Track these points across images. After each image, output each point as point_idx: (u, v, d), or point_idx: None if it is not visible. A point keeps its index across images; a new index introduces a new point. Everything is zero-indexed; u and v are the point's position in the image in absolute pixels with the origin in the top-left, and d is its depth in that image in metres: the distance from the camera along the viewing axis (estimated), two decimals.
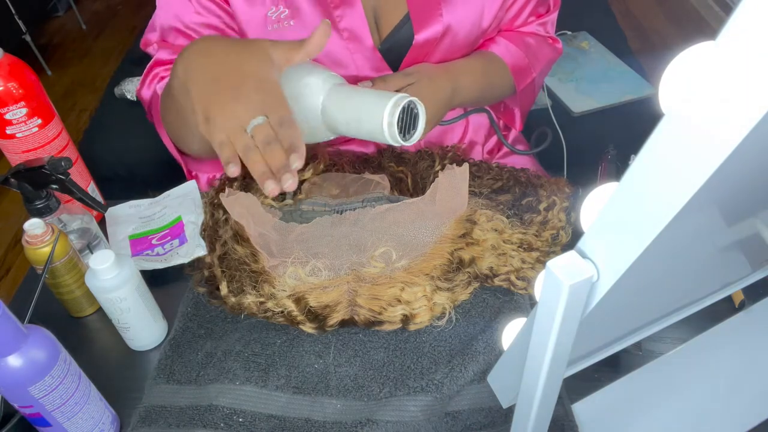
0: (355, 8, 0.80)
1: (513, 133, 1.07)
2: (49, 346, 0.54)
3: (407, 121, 0.67)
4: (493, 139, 1.03)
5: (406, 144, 0.67)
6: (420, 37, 0.83)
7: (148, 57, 0.86)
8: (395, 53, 0.85)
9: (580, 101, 1.40)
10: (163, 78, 0.83)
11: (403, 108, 0.65)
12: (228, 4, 0.80)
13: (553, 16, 0.97)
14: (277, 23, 0.80)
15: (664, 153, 0.26)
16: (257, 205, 0.75)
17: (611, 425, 0.60)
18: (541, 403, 0.41)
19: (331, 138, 0.71)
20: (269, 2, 0.79)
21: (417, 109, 0.67)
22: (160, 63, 0.84)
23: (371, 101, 0.65)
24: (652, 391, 0.61)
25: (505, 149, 1.04)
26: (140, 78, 0.84)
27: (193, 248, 0.76)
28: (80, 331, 0.74)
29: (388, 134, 0.65)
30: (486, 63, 0.90)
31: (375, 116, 0.65)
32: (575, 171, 1.18)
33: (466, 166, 0.73)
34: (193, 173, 0.92)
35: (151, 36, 0.85)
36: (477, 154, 1.00)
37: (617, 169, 0.88)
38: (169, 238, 0.79)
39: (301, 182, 0.81)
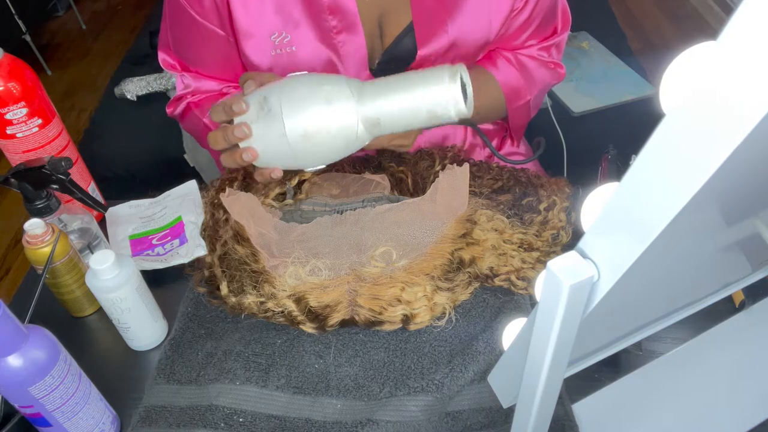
0: (357, 34, 0.80)
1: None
2: (50, 346, 0.54)
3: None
4: (493, 144, 1.03)
5: (468, 114, 0.64)
6: (423, 51, 0.82)
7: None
8: (396, 65, 0.84)
9: (580, 101, 1.40)
10: (192, 104, 0.89)
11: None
12: (233, 28, 0.80)
13: (559, 39, 0.92)
14: (279, 48, 0.80)
15: (665, 153, 0.26)
16: (257, 205, 0.75)
17: (611, 425, 0.60)
18: (541, 403, 0.41)
19: (366, 143, 0.68)
20: (272, 27, 0.79)
21: (464, 77, 0.65)
22: (198, 92, 0.89)
23: (424, 82, 0.63)
24: (652, 391, 0.61)
25: (503, 152, 1.04)
26: (140, 78, 0.86)
27: (194, 248, 0.76)
28: (80, 331, 0.74)
29: (455, 109, 0.62)
30: (478, 79, 0.88)
31: (435, 95, 0.62)
32: (575, 171, 1.18)
33: (466, 166, 0.73)
34: None
35: (167, 55, 0.89)
36: (477, 157, 1.00)
37: (617, 169, 0.88)
38: (169, 238, 0.79)
39: (302, 182, 0.81)
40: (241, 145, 0.66)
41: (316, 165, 0.69)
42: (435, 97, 0.62)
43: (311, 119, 0.64)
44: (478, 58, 0.89)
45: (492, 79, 0.89)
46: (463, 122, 0.78)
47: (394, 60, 0.84)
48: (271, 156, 0.67)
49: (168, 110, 0.94)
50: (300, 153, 0.66)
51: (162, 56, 0.89)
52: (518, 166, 0.85)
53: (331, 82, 0.65)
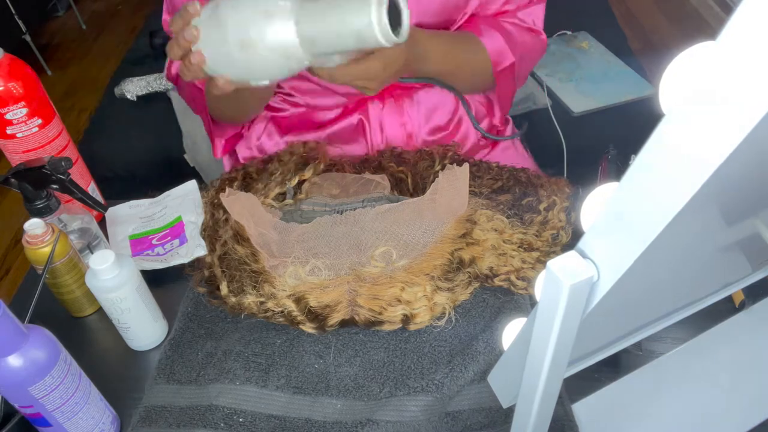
0: None
1: (509, 129, 1.06)
2: (50, 346, 0.54)
3: (393, 16, 0.63)
4: (485, 122, 1.02)
5: (399, 41, 0.63)
6: None
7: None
8: None
9: (580, 101, 1.40)
10: None
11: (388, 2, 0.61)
12: None
13: (536, 8, 0.94)
14: None
15: (664, 153, 0.26)
16: (257, 205, 0.75)
17: (611, 425, 0.60)
18: (541, 403, 0.41)
19: (306, 65, 0.67)
20: None
21: (399, 3, 0.63)
22: None
23: (353, 3, 0.62)
24: (652, 391, 0.61)
25: (494, 131, 1.04)
26: (140, 78, 0.86)
27: (193, 248, 0.76)
28: (80, 331, 0.74)
29: (380, 32, 0.61)
30: (457, 37, 0.88)
31: (362, 16, 0.61)
32: (575, 171, 1.18)
33: (466, 166, 0.73)
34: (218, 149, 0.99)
35: (168, 16, 0.89)
36: (468, 129, 0.99)
37: (617, 169, 0.88)
38: (169, 238, 0.79)
39: (302, 182, 0.81)
40: (193, 49, 0.66)
41: (260, 78, 0.68)
42: (362, 21, 0.61)
43: (249, 29, 0.63)
44: (456, 10, 0.89)
45: (478, 43, 0.89)
46: (449, 89, 0.75)
47: None
48: (216, 62, 0.67)
49: (166, 72, 0.94)
50: (241, 62, 0.66)
51: (165, 17, 0.90)
52: (509, 161, 0.84)
53: (276, 1, 0.64)
